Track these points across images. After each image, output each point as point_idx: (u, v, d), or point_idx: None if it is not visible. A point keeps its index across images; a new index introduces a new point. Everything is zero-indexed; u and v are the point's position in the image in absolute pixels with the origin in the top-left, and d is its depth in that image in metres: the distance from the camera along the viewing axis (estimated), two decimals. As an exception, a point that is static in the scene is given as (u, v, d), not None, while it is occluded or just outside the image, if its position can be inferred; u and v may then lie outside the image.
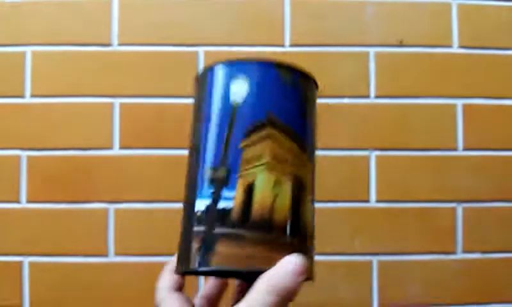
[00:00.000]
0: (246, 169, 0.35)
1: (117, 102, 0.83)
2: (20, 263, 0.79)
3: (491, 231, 0.82)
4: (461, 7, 0.85)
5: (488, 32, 0.85)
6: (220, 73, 0.37)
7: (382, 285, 0.81)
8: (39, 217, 0.80)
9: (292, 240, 0.34)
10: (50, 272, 0.79)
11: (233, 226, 0.34)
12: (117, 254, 0.80)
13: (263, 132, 0.35)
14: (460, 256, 0.81)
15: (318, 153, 0.81)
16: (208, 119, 0.37)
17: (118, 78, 0.83)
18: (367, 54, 0.84)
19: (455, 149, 0.83)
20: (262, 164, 0.35)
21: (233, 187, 0.34)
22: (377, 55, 0.84)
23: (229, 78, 0.37)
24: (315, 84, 0.40)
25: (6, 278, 0.79)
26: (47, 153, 0.81)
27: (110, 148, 0.82)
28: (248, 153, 0.35)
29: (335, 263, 0.81)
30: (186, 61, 0.83)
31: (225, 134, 0.35)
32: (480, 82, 0.84)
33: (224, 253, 0.33)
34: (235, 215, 0.34)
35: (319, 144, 0.81)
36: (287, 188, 0.35)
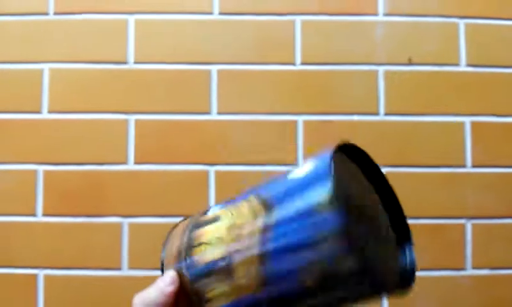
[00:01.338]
0: None
1: (132, 118, 0.84)
2: (35, 276, 0.81)
3: (500, 248, 0.82)
4: (468, 26, 0.86)
5: (495, 50, 0.86)
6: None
7: (391, 300, 0.81)
8: (54, 231, 0.82)
9: (190, 280, 0.38)
10: (64, 285, 0.81)
11: None
12: (130, 267, 0.81)
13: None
14: (469, 272, 0.82)
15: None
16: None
17: (133, 95, 0.85)
18: (377, 72, 0.86)
19: (464, 166, 0.84)
20: None
21: None
22: (386, 73, 0.86)
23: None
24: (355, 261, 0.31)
25: (21, 290, 0.80)
26: (63, 168, 0.83)
27: (124, 163, 0.83)
28: None
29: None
30: (200, 79, 0.85)
31: None
32: (488, 100, 0.85)
33: None
34: None
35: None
36: (216, 253, 0.37)
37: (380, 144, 0.84)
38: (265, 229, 0.32)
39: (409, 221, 0.83)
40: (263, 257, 0.32)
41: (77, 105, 0.84)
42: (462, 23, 0.86)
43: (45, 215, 0.82)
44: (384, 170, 0.84)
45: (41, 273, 0.81)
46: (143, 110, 0.85)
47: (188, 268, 0.37)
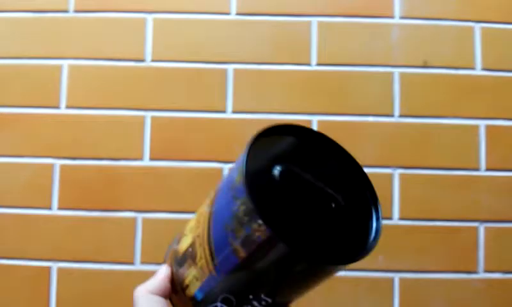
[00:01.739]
0: None
1: (148, 115, 0.86)
2: (49, 268, 0.82)
3: (513, 252, 0.82)
4: (484, 30, 0.87)
5: (510, 54, 0.86)
6: None
7: (403, 302, 0.81)
8: (69, 224, 0.83)
9: (175, 272, 0.41)
10: (77, 278, 0.82)
11: None
12: (143, 262, 0.82)
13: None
14: (481, 275, 0.81)
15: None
16: None
17: (150, 92, 0.86)
18: (392, 74, 0.86)
19: (478, 169, 0.84)
20: None
21: None
22: (401, 75, 0.86)
23: None
24: (260, 221, 0.32)
25: (34, 283, 0.82)
26: (79, 163, 0.84)
27: (140, 159, 0.84)
28: None
29: (358, 279, 0.82)
30: (216, 78, 0.86)
31: None
32: (503, 104, 0.85)
33: None
34: None
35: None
36: (185, 243, 0.41)
37: (394, 145, 0.85)
38: (210, 212, 0.36)
39: (423, 223, 0.83)
40: (209, 236, 0.35)
41: (94, 101, 0.86)
42: (478, 27, 0.87)
43: (60, 208, 0.83)
44: (398, 171, 0.85)
45: (55, 266, 0.82)
46: (160, 107, 0.86)
47: (172, 259, 0.41)
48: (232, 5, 0.88)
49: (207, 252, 0.36)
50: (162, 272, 0.41)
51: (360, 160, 0.85)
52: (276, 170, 0.35)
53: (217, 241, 0.35)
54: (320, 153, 0.38)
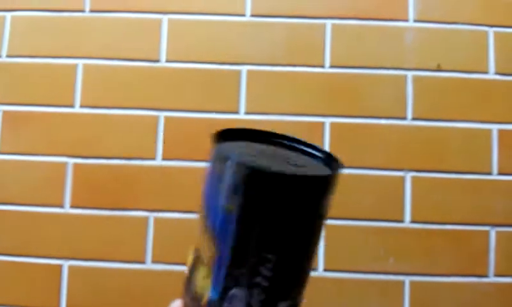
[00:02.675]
0: None
1: (162, 115, 0.86)
2: (60, 266, 0.82)
3: (524, 256, 0.82)
4: (497, 34, 0.87)
5: (523, 60, 0.86)
6: None
7: (413, 305, 0.81)
8: (81, 222, 0.83)
9: (188, 297, 0.40)
10: (88, 276, 0.82)
11: None
12: (154, 261, 0.82)
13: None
14: (492, 279, 0.81)
15: (354, 172, 0.83)
16: None
17: (164, 92, 0.86)
18: (405, 77, 0.86)
19: (490, 173, 0.84)
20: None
21: None
22: (414, 78, 0.86)
23: None
24: (230, 160, 0.35)
25: (46, 280, 0.82)
26: (93, 161, 0.85)
27: (153, 158, 0.85)
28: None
29: (368, 282, 0.82)
30: (230, 79, 0.87)
31: None
32: (515, 109, 0.86)
33: None
34: None
35: (355, 162, 0.84)
36: (190, 257, 0.40)
37: (407, 148, 0.85)
38: (200, 213, 0.38)
39: (434, 226, 0.83)
40: (205, 223, 0.37)
41: (108, 100, 0.86)
42: (491, 31, 0.87)
43: (72, 207, 0.84)
44: (410, 174, 0.85)
45: (66, 264, 0.82)
46: (173, 107, 0.86)
47: (182, 289, 0.41)
48: (247, 7, 0.88)
49: (209, 238, 0.37)
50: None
51: (371, 162, 0.85)
52: (243, 148, 0.38)
53: (212, 217, 0.36)
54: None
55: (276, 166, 0.35)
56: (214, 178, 0.35)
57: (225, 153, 0.34)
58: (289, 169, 0.35)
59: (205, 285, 0.38)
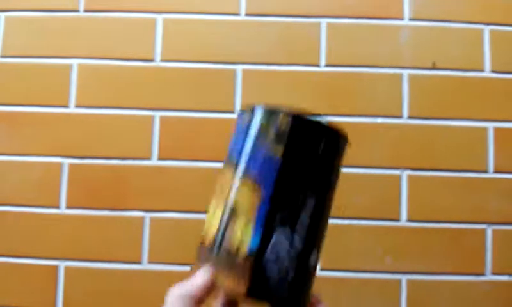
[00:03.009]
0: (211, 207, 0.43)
1: (157, 114, 0.86)
2: (56, 267, 0.82)
3: (521, 255, 0.82)
4: (493, 32, 0.87)
5: (519, 57, 0.86)
6: None
7: (410, 304, 0.81)
8: (77, 223, 0.83)
9: (217, 257, 0.39)
10: (84, 277, 0.82)
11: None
12: (150, 262, 0.82)
13: (220, 170, 0.41)
14: (489, 277, 0.81)
15: (350, 170, 0.83)
16: None
17: (159, 92, 0.86)
18: (401, 75, 0.86)
19: (486, 171, 0.84)
20: (213, 198, 0.42)
21: None
22: (410, 77, 0.86)
23: None
24: (281, 113, 0.40)
25: (42, 281, 0.82)
26: (88, 162, 0.84)
27: (149, 158, 0.85)
28: (216, 191, 0.43)
29: (365, 280, 0.82)
30: (225, 78, 0.86)
31: None
32: (511, 107, 0.85)
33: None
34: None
35: (351, 161, 0.83)
36: (218, 215, 0.40)
37: (403, 147, 0.85)
38: (234, 161, 0.40)
39: (431, 225, 0.83)
40: (245, 171, 0.39)
41: (103, 100, 0.86)
42: (487, 29, 0.87)
43: (68, 207, 0.83)
44: (406, 173, 0.85)
45: (62, 264, 0.82)
46: (168, 107, 0.86)
47: (204, 255, 0.42)
48: (242, 6, 0.88)
49: (248, 184, 0.38)
50: (200, 277, 0.40)
51: (367, 161, 0.85)
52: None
53: (253, 165, 0.38)
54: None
55: (313, 118, 0.40)
56: (253, 129, 0.39)
57: (270, 107, 0.39)
58: (324, 121, 0.40)
59: (244, 235, 0.38)
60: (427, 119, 0.85)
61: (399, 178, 0.84)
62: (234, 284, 0.38)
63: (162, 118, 0.86)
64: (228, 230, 0.39)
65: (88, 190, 0.83)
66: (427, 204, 0.83)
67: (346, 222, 0.83)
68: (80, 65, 0.87)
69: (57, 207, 0.83)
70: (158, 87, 0.86)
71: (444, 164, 0.84)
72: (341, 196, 0.84)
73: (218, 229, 0.39)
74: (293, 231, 0.38)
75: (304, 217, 0.39)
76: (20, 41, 0.88)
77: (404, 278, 0.81)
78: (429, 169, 0.84)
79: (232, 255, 0.38)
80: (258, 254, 0.38)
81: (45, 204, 0.83)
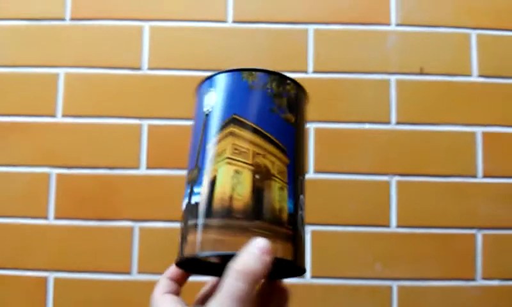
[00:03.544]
0: (211, 166, 0.38)
1: (145, 123, 0.85)
2: (46, 279, 0.81)
3: (511, 258, 0.82)
4: (480, 37, 0.87)
5: (507, 61, 0.87)
6: (198, 90, 0.44)
7: (401, 309, 0.81)
8: (65, 234, 0.82)
9: (257, 224, 0.36)
10: (74, 288, 0.81)
11: (200, 216, 0.37)
12: (140, 272, 0.82)
13: (226, 131, 0.39)
14: (479, 282, 0.81)
15: (339, 177, 0.83)
16: (193, 131, 0.43)
17: (146, 100, 0.86)
18: (388, 81, 0.86)
19: (475, 176, 0.84)
20: (223, 159, 0.38)
21: (200, 183, 0.39)
22: (398, 82, 0.86)
23: (203, 92, 0.43)
24: (289, 80, 0.43)
25: (31, 293, 0.81)
26: (76, 171, 0.84)
27: (137, 167, 0.84)
28: (214, 152, 0.39)
29: (356, 287, 0.82)
30: (212, 85, 0.86)
31: (199, 139, 0.41)
32: (499, 111, 0.86)
33: (192, 241, 0.37)
34: (201, 207, 0.37)
35: (339, 168, 0.83)
36: (246, 177, 0.37)
37: (391, 153, 0.85)
38: (254, 127, 0.40)
39: (420, 231, 0.83)
40: (266, 137, 0.39)
41: (91, 109, 0.86)
42: (474, 34, 0.87)
43: (56, 218, 0.83)
44: (395, 179, 0.85)
45: (52, 276, 0.81)
46: (156, 115, 0.86)
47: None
48: (229, 13, 0.88)
49: (276, 150, 0.39)
50: (263, 250, 0.34)
51: (356, 167, 0.85)
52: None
53: (275, 129, 0.39)
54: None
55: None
56: (263, 94, 0.40)
57: (283, 75, 0.42)
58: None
59: (282, 197, 0.37)
60: (415, 125, 0.86)
61: (388, 184, 0.84)
62: (283, 253, 0.36)
63: (150, 127, 0.85)
64: (267, 193, 0.37)
65: (76, 200, 0.83)
66: (416, 210, 0.83)
67: (335, 228, 0.83)
68: (66, 74, 0.86)
69: (45, 218, 0.83)
70: (145, 95, 0.86)
71: (433, 169, 0.84)
72: (330, 203, 0.83)
73: (252, 192, 0.37)
74: (303, 194, 0.40)
75: (303, 180, 0.41)
76: (5, 51, 0.87)
77: (395, 284, 0.81)
78: (418, 175, 0.84)
79: (276, 221, 0.36)
80: (294, 220, 0.38)
81: (33, 215, 0.83)
